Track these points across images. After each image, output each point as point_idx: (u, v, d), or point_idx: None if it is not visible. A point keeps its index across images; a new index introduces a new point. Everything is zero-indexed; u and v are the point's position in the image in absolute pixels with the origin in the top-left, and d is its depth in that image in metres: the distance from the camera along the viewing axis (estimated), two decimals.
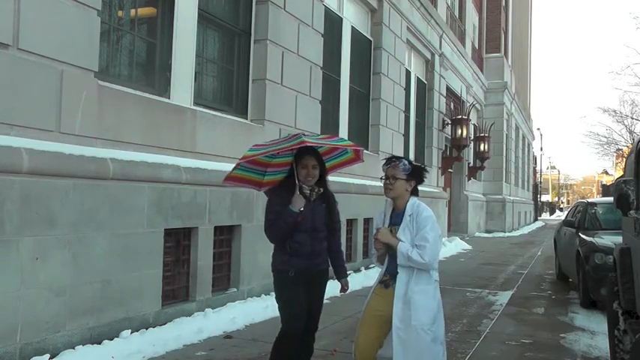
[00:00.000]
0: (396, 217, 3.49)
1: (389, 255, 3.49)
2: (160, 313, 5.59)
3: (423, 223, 3.39)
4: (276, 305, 3.76)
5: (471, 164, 21.83)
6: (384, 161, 3.60)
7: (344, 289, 4.01)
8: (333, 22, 10.13)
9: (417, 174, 3.54)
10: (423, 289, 3.37)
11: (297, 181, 3.62)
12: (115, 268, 5.04)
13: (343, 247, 9.65)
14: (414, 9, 14.08)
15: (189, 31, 6.46)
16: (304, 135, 3.68)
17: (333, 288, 7.71)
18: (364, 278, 8.38)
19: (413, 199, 3.52)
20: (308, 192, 3.64)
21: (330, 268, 3.93)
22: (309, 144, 3.58)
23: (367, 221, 10.84)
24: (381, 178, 3.58)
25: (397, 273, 3.40)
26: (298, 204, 3.59)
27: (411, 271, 3.36)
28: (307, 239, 3.67)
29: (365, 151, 11.32)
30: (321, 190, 3.73)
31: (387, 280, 3.50)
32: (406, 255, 3.32)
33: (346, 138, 10.63)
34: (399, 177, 3.47)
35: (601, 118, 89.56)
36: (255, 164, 3.78)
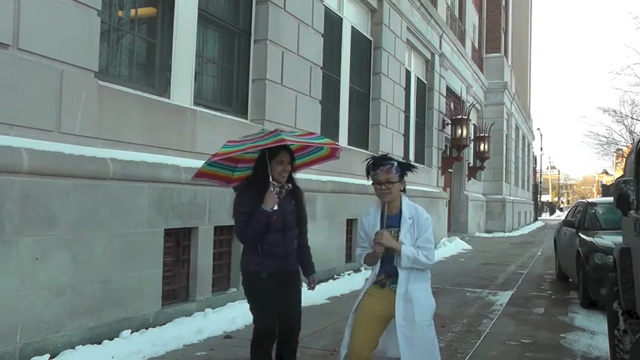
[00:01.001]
0: (391, 220, 3.42)
1: (384, 256, 3.47)
2: (159, 313, 5.59)
3: (425, 225, 3.39)
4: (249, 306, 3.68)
5: (471, 164, 21.82)
6: (370, 163, 3.43)
7: (312, 285, 3.91)
8: (333, 22, 10.13)
9: (405, 172, 3.46)
10: (422, 286, 3.40)
11: (270, 179, 3.51)
12: (115, 268, 5.04)
13: (343, 248, 9.76)
14: (414, 9, 14.08)
15: (189, 31, 6.46)
16: (282, 131, 3.59)
17: (332, 288, 7.70)
18: (364, 278, 8.36)
19: (405, 200, 3.47)
20: (278, 189, 3.53)
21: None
22: (288, 142, 3.47)
23: None
24: (375, 183, 3.42)
25: (395, 273, 3.40)
26: (271, 203, 3.47)
27: (411, 271, 3.38)
28: (280, 239, 3.58)
29: (365, 151, 11.36)
30: (290, 186, 3.64)
31: (383, 280, 3.48)
32: (413, 258, 3.32)
33: (341, 136, 10.65)
34: (393, 180, 3.38)
35: (601, 118, 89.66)
36: (227, 160, 3.66)
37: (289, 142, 3.50)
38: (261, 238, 3.55)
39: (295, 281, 3.77)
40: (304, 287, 3.88)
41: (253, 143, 3.49)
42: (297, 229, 3.74)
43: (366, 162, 3.49)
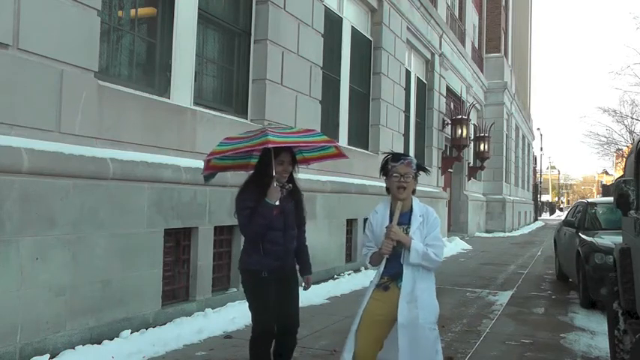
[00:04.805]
0: (401, 217, 3.42)
1: (391, 256, 3.45)
2: (159, 313, 5.59)
3: (434, 224, 3.42)
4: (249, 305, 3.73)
5: (471, 164, 21.83)
6: (390, 157, 3.48)
7: (307, 285, 3.97)
8: (333, 22, 10.13)
9: (419, 173, 3.52)
10: (428, 287, 3.39)
11: (274, 174, 3.54)
12: (115, 268, 5.04)
13: (343, 248, 9.76)
14: (414, 9, 14.09)
15: (189, 31, 6.46)
16: (271, 131, 3.56)
17: (332, 288, 7.71)
18: (364, 278, 8.36)
19: (416, 200, 3.50)
20: (280, 188, 3.59)
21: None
22: (272, 144, 3.43)
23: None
24: (393, 175, 3.42)
25: (398, 274, 3.37)
26: (275, 196, 3.53)
27: (417, 270, 3.35)
28: (280, 238, 3.63)
29: (365, 151, 11.37)
30: (291, 186, 3.71)
31: (386, 283, 3.45)
32: (422, 253, 3.30)
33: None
34: (412, 175, 3.43)
35: (601, 118, 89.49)
36: (237, 153, 3.67)
37: (274, 145, 3.47)
38: (263, 236, 3.59)
39: (293, 279, 3.82)
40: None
41: (242, 143, 3.55)
42: (297, 229, 3.81)
43: (384, 157, 3.53)
